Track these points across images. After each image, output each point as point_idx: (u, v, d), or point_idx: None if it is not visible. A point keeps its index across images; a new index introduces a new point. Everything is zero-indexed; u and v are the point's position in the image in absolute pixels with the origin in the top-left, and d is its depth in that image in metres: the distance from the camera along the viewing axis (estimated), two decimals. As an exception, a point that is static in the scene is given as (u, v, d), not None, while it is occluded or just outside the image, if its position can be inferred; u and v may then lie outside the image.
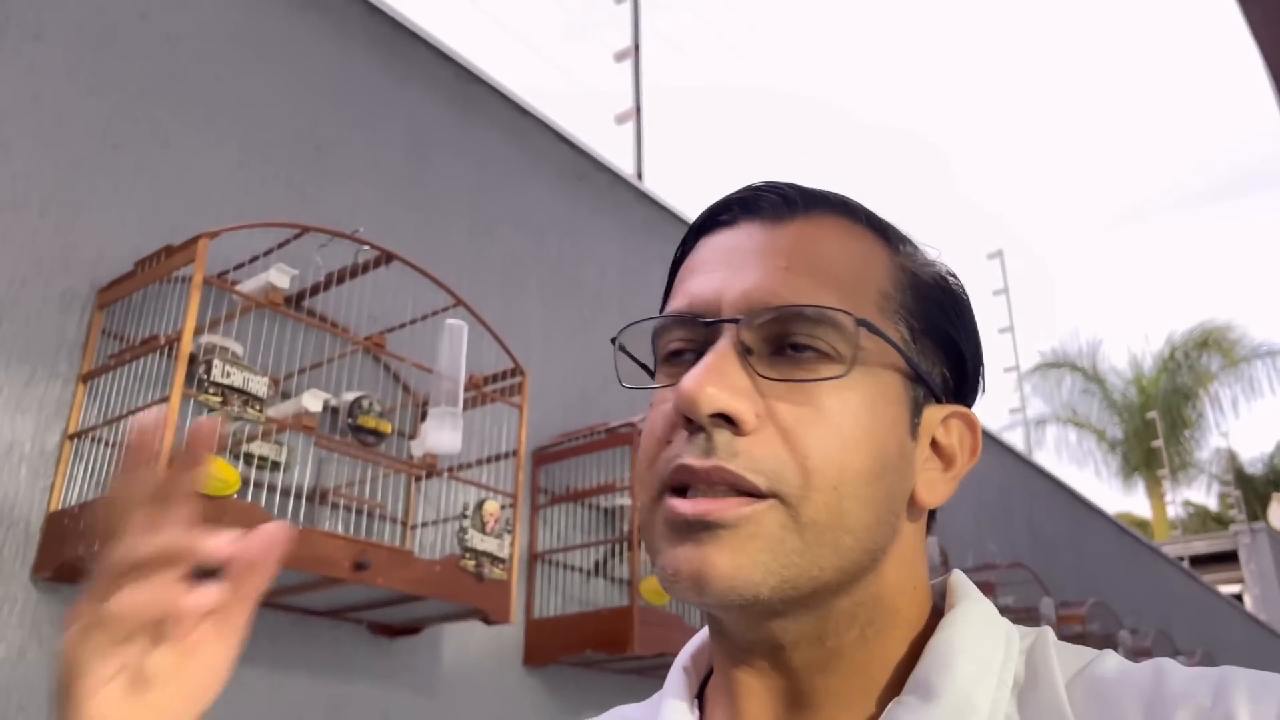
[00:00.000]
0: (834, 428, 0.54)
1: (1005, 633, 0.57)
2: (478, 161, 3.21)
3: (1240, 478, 17.48)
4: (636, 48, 4.53)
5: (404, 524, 2.49)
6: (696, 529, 0.52)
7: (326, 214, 2.61)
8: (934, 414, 0.59)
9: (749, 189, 0.62)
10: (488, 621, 2.32)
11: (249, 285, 2.05)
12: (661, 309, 0.64)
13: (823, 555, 0.53)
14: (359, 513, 2.38)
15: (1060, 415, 17.41)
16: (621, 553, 2.98)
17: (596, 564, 3.05)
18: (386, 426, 2.21)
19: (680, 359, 0.58)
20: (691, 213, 4.01)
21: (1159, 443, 13.91)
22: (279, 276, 2.01)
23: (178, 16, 2.45)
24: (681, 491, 0.54)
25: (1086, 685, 0.53)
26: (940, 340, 0.60)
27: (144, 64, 2.35)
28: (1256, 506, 16.42)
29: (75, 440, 2.00)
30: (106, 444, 1.99)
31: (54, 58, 2.18)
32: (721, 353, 0.54)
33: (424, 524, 2.53)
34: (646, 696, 0.68)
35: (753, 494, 0.52)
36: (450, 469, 2.44)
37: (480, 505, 2.30)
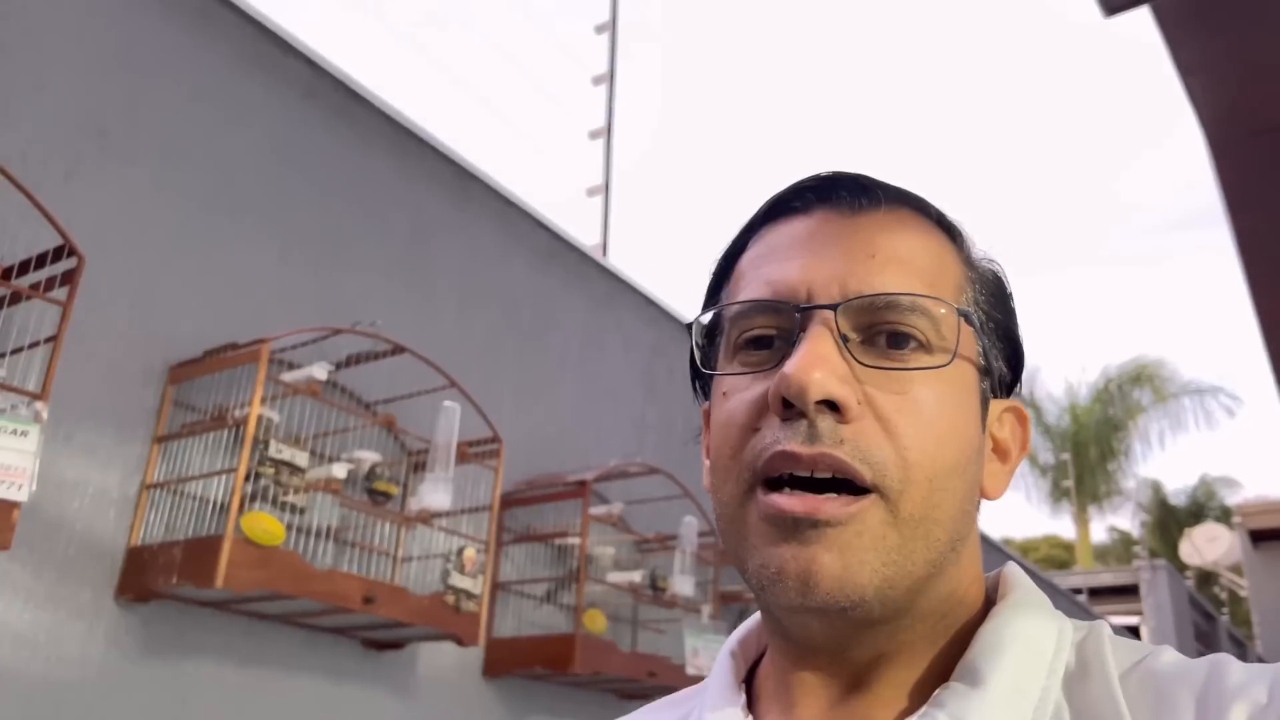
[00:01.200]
0: (928, 419, 0.53)
1: (1058, 624, 0.56)
2: (468, 246, 3.78)
3: (1164, 509, 18.34)
4: (609, 129, 5.12)
5: (397, 560, 3.07)
6: (803, 527, 0.51)
7: (347, 298, 3.17)
8: (994, 408, 0.60)
9: (822, 177, 0.61)
10: (460, 643, 2.90)
11: (293, 375, 2.61)
12: (710, 300, 0.63)
13: (916, 550, 0.52)
14: (366, 550, 2.95)
15: (994, 437, 18.21)
16: (569, 585, 3.59)
17: (548, 593, 3.65)
18: (394, 489, 2.78)
19: (762, 346, 0.56)
20: (651, 286, 4.63)
21: (1069, 483, 14.76)
22: (319, 371, 2.57)
23: (233, 136, 3.00)
24: (776, 485, 0.53)
25: (1142, 677, 0.52)
26: (1001, 335, 0.60)
27: (208, 179, 2.89)
28: (1176, 535, 17.28)
29: (151, 490, 2.54)
30: (175, 493, 2.54)
31: (142, 179, 2.71)
32: (822, 338, 0.53)
33: (413, 558, 3.11)
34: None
35: (855, 484, 0.51)
36: (436, 515, 3.02)
37: (461, 551, 2.89)
